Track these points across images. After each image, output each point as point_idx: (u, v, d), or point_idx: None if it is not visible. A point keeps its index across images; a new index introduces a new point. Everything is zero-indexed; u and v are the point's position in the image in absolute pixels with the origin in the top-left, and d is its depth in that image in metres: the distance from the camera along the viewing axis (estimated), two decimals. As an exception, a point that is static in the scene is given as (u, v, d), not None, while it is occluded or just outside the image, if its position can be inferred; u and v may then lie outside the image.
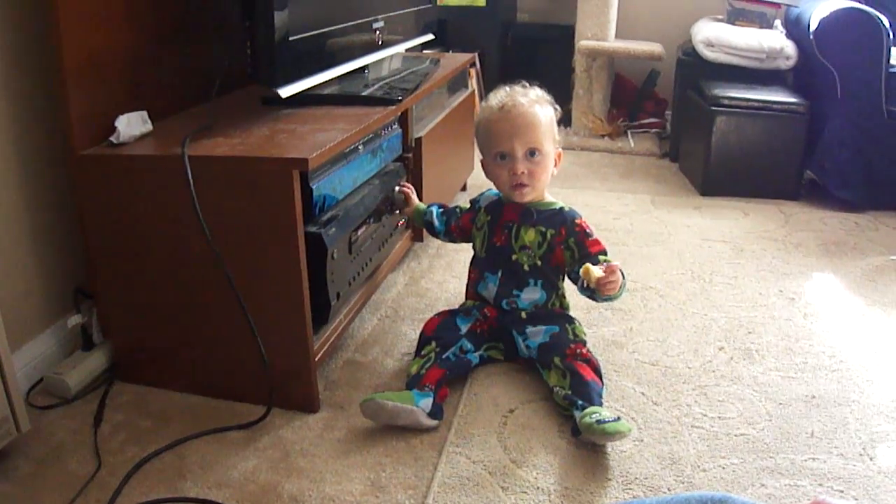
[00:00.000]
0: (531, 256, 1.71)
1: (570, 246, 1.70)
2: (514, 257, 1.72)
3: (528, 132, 1.65)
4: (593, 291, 1.59)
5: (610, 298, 1.61)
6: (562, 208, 1.74)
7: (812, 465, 1.42)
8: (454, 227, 1.88)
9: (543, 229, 1.71)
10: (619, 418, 1.43)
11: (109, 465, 1.42)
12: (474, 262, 1.84)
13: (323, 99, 1.85)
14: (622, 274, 1.57)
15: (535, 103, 1.69)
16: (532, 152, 1.66)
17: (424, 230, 2.00)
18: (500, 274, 1.74)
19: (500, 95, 1.72)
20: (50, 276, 1.69)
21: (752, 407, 1.60)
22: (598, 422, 1.41)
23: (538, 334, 1.68)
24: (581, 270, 1.57)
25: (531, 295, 1.73)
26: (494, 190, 1.80)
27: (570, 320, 1.73)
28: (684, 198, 2.93)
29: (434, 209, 1.93)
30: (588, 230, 1.71)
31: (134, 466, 1.41)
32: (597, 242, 1.70)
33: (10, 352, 1.37)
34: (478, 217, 1.81)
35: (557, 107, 1.75)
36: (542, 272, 1.72)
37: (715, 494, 1.11)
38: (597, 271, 1.54)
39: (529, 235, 1.71)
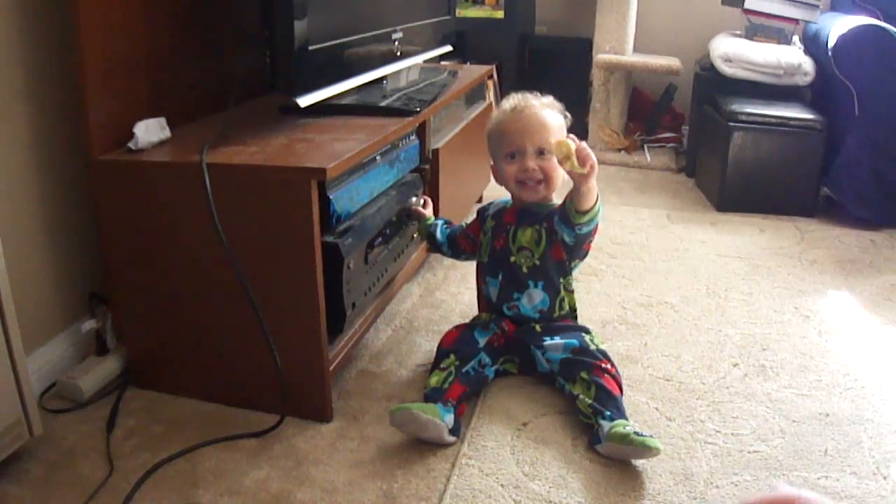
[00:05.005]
0: (529, 258, 1.71)
1: (559, 227, 1.68)
2: (512, 259, 1.72)
3: (538, 131, 1.68)
4: (571, 202, 1.60)
5: (588, 213, 1.60)
6: (554, 203, 1.74)
7: (825, 483, 1.41)
8: (461, 237, 1.89)
9: (538, 226, 1.71)
10: (651, 435, 1.42)
11: (121, 471, 1.42)
12: (478, 267, 1.84)
13: (341, 109, 1.86)
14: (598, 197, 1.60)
15: (546, 107, 1.72)
16: (542, 151, 1.68)
17: (427, 243, 2.02)
18: (500, 277, 1.75)
19: (512, 100, 1.75)
20: (65, 281, 1.71)
21: (765, 424, 1.59)
22: (637, 434, 1.40)
23: (558, 349, 1.65)
24: (554, 143, 1.56)
25: (532, 298, 1.72)
26: (502, 199, 1.82)
27: (586, 331, 1.72)
28: (700, 213, 2.92)
29: (439, 222, 1.95)
30: None
31: (146, 472, 1.41)
32: None
33: (25, 355, 1.38)
34: (485, 224, 1.82)
35: (568, 114, 1.76)
36: (542, 272, 1.71)
37: None
38: (572, 142, 1.53)
39: (526, 235, 1.71)
